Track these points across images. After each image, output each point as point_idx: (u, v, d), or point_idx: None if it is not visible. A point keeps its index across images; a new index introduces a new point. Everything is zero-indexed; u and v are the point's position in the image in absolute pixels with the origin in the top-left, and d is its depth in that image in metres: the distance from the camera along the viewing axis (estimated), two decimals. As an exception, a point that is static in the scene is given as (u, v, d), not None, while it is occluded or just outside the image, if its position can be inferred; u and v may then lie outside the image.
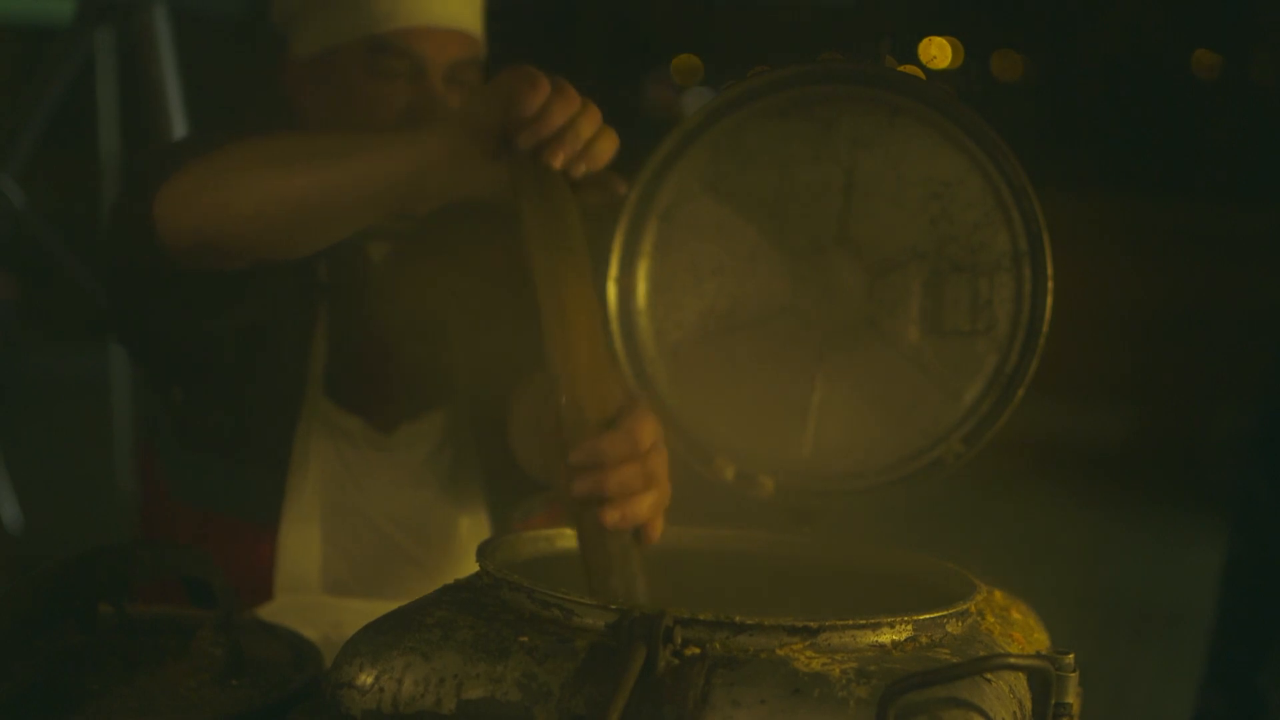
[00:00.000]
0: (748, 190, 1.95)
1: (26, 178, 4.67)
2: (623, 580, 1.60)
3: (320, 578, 2.13)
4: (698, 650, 1.35)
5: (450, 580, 2.16)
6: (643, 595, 1.59)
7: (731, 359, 1.95)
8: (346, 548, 2.15)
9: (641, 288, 1.97)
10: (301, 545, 2.13)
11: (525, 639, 1.39)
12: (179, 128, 4.18)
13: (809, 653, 1.36)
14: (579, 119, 1.59)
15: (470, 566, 2.18)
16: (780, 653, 1.36)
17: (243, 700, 1.57)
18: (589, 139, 1.59)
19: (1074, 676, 1.38)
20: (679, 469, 2.00)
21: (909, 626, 1.42)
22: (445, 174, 1.66)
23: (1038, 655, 1.38)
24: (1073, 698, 1.39)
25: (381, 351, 2.13)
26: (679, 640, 1.35)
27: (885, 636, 1.40)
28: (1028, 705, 1.38)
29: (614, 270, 1.96)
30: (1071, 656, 1.38)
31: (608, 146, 1.61)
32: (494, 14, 2.25)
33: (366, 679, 1.40)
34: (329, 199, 1.73)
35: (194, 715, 1.54)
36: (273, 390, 2.12)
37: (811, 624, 1.38)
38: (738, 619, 1.37)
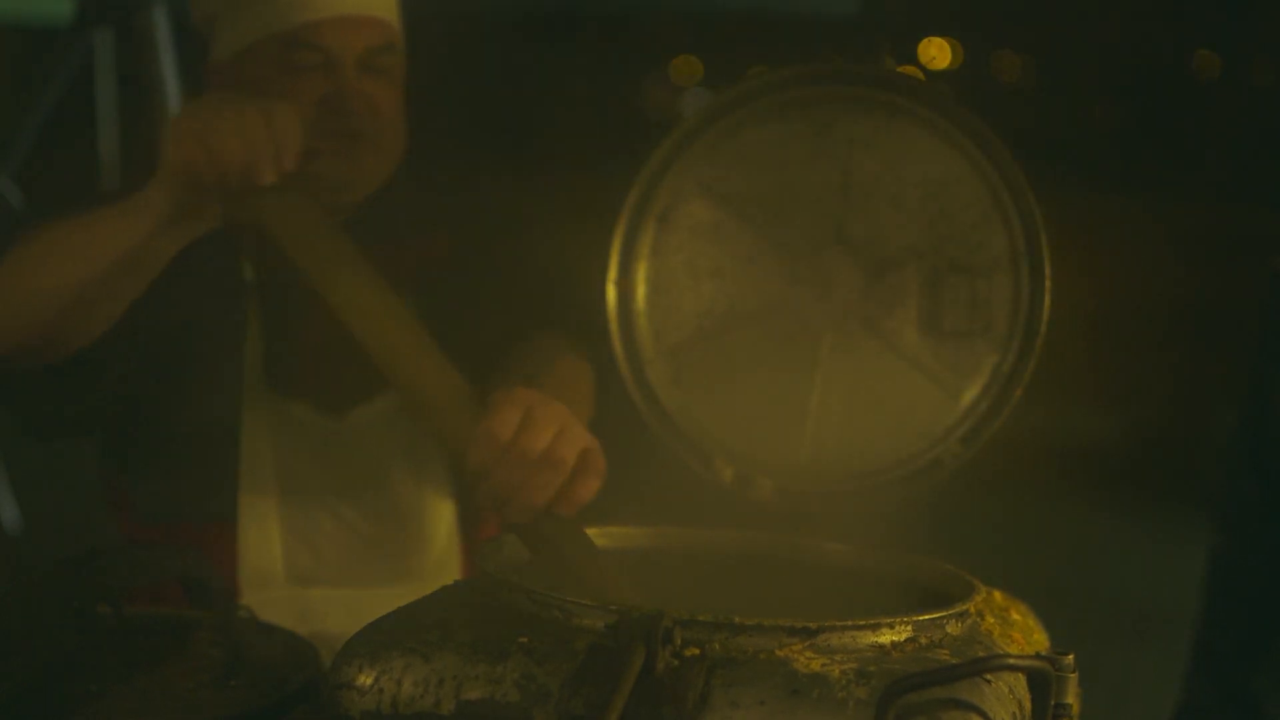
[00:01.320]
0: (746, 191, 1.95)
1: (26, 178, 4.67)
2: (577, 550, 1.65)
3: (284, 570, 2.13)
4: (697, 651, 1.35)
5: (416, 561, 2.17)
6: (593, 561, 1.64)
7: (730, 360, 1.95)
8: (308, 537, 2.14)
9: (640, 289, 1.97)
10: (262, 540, 2.13)
11: (524, 640, 1.39)
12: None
13: (808, 654, 1.36)
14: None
15: (436, 546, 2.19)
16: (779, 654, 1.36)
17: (241, 701, 1.57)
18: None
19: (1073, 677, 1.38)
20: (678, 470, 2.00)
21: (908, 627, 1.42)
22: (185, 223, 1.86)
23: (1037, 656, 1.38)
24: (1072, 698, 1.39)
25: (321, 338, 2.13)
26: (678, 641, 1.35)
27: (885, 637, 1.40)
28: (1027, 706, 1.38)
29: (612, 272, 1.96)
30: (1071, 657, 1.38)
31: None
32: (493, 15, 2.24)
33: (366, 680, 1.40)
34: (98, 278, 1.87)
35: (192, 716, 1.54)
36: (211, 393, 2.12)
37: (811, 625, 1.38)
38: (737, 620, 1.37)
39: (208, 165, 1.79)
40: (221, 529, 2.11)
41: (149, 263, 1.89)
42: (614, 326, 1.96)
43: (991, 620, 1.54)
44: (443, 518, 2.20)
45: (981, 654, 1.42)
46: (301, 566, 2.14)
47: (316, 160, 2.04)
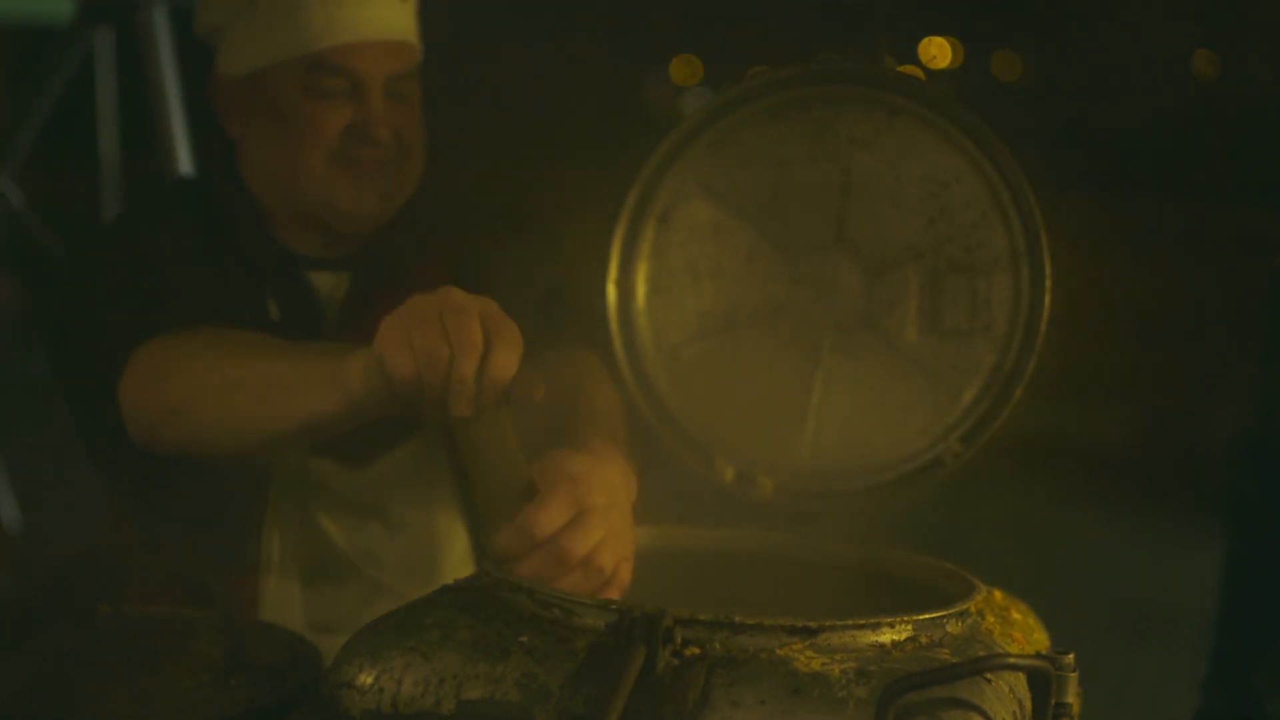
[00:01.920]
0: (746, 191, 1.95)
1: (24, 178, 4.67)
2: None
3: (303, 621, 2.11)
4: (697, 650, 1.35)
5: None
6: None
7: (730, 360, 1.95)
8: (328, 592, 2.12)
9: (640, 289, 1.97)
10: (282, 596, 2.10)
11: (525, 639, 1.39)
12: (179, 128, 4.17)
13: (809, 653, 1.36)
14: (459, 363, 1.57)
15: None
16: (780, 653, 1.36)
17: (242, 700, 1.56)
18: (474, 376, 1.57)
19: (1074, 676, 1.38)
20: (679, 469, 2.00)
21: (909, 627, 1.42)
22: (371, 408, 1.69)
23: (1037, 655, 1.38)
24: (1072, 698, 1.39)
25: None
26: (679, 640, 1.35)
27: (885, 637, 1.40)
28: (1027, 705, 1.38)
29: (613, 272, 1.96)
30: (1071, 656, 1.38)
31: (502, 364, 1.58)
32: (491, 14, 2.23)
33: (366, 679, 1.40)
34: (265, 432, 1.78)
35: (193, 715, 1.54)
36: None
37: (811, 624, 1.38)
38: (737, 619, 1.37)
39: (429, 381, 1.59)
40: (243, 581, 2.09)
41: (326, 426, 1.76)
42: (614, 326, 1.96)
43: (992, 619, 1.54)
44: (461, 562, 2.18)
45: (982, 653, 1.42)
46: (321, 617, 2.12)
47: (335, 186, 2.01)
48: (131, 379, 1.87)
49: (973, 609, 1.50)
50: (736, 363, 1.95)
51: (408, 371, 1.57)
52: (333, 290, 2.14)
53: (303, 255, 2.11)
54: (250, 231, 2.09)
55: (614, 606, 1.40)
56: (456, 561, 2.18)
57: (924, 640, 1.42)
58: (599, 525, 1.59)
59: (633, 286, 1.97)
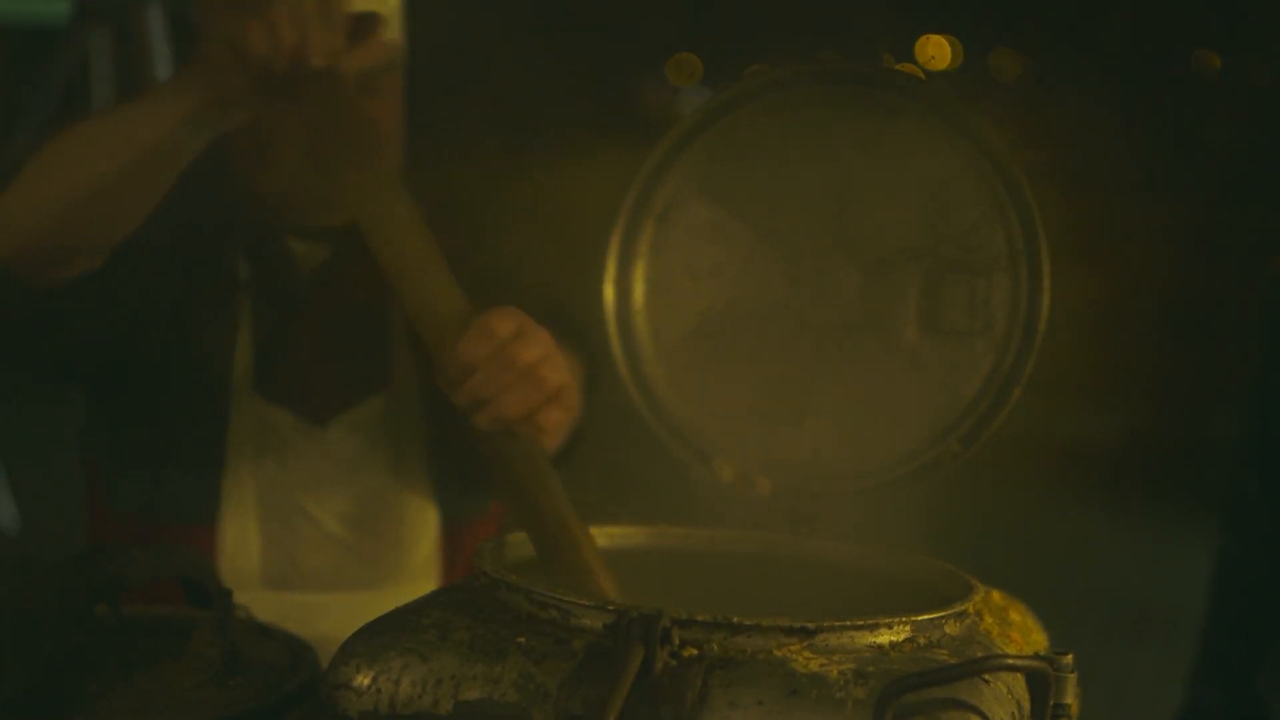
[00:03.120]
0: (744, 191, 1.95)
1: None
2: (531, 477, 1.64)
3: (260, 574, 2.13)
4: (695, 651, 1.35)
5: (395, 568, 2.16)
6: (561, 503, 1.64)
7: (728, 360, 1.95)
8: (285, 543, 2.14)
9: (638, 289, 1.97)
10: (240, 543, 2.12)
11: (522, 640, 1.39)
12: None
13: (806, 653, 1.36)
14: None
15: (417, 553, 2.18)
16: (778, 653, 1.36)
17: (239, 701, 1.57)
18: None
19: (1072, 677, 1.38)
20: (677, 470, 2.00)
21: (907, 627, 1.41)
22: (215, 114, 1.73)
23: (1036, 656, 1.38)
24: (1071, 698, 1.38)
25: (310, 345, 2.12)
26: (676, 641, 1.35)
27: (883, 637, 1.40)
28: (1026, 706, 1.38)
29: (611, 272, 1.96)
30: (1070, 657, 1.38)
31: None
32: (490, 13, 2.22)
33: (363, 680, 1.40)
34: (122, 174, 1.78)
35: (191, 716, 1.54)
36: (199, 392, 2.11)
37: (809, 625, 1.37)
38: (735, 620, 1.37)
39: (258, 40, 1.66)
40: (200, 530, 2.11)
41: (172, 159, 1.79)
42: (612, 326, 1.96)
43: (990, 620, 1.54)
44: (425, 525, 2.19)
45: (980, 654, 1.42)
46: (278, 571, 2.14)
47: (312, 178, 2.03)
48: None
49: (971, 610, 1.50)
50: (734, 363, 1.95)
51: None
52: (307, 258, 2.16)
53: (285, 220, 2.14)
54: (233, 188, 2.12)
55: (612, 608, 1.39)
56: (414, 520, 2.19)
57: (922, 641, 1.42)
58: (542, 340, 1.67)
59: (631, 286, 1.96)
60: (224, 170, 2.12)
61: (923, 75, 1.97)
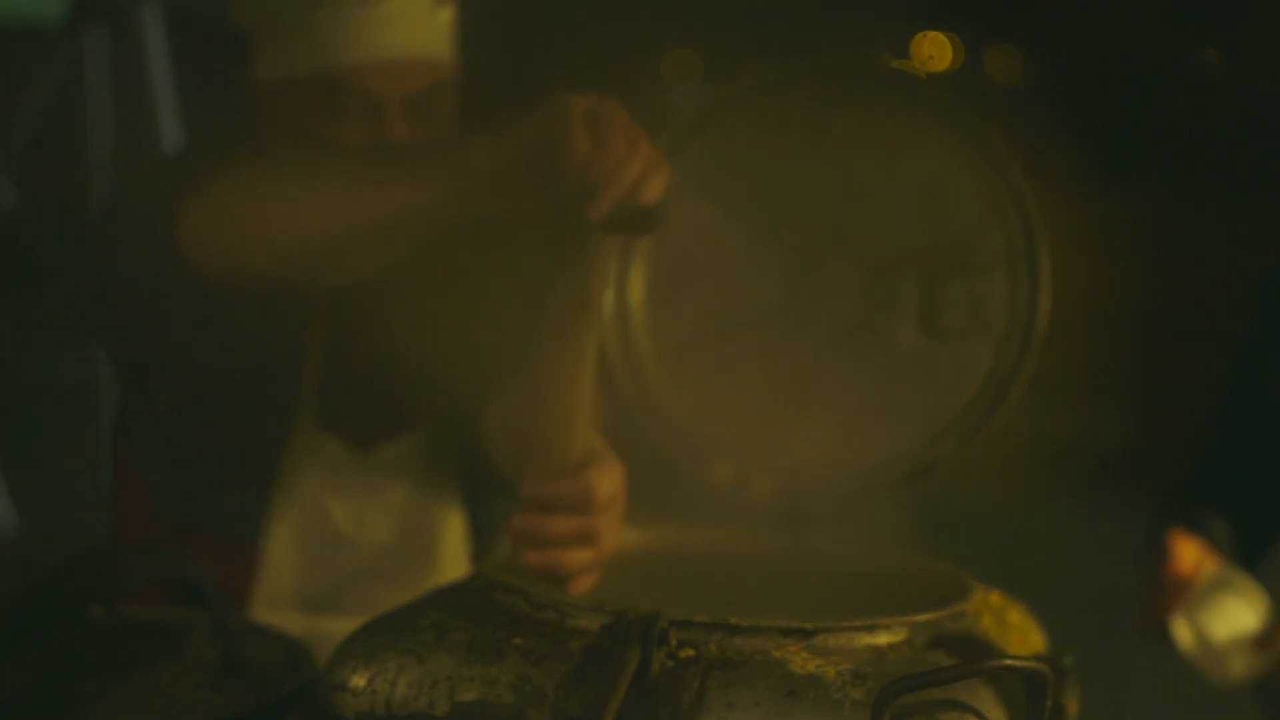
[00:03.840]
0: (742, 191, 1.95)
1: (18, 179, 4.68)
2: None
3: (297, 596, 2.12)
4: (693, 652, 1.35)
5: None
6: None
7: (727, 360, 1.95)
8: (325, 568, 2.14)
9: (637, 289, 1.97)
10: (282, 565, 2.12)
11: (520, 641, 1.39)
12: (170, 128, 4.18)
13: (804, 654, 1.36)
14: (628, 163, 1.48)
15: (451, 578, 2.18)
16: (776, 655, 1.36)
17: (236, 702, 1.56)
18: (635, 181, 1.48)
19: (1072, 679, 1.38)
20: (675, 470, 2.00)
21: (905, 628, 1.41)
22: (490, 201, 1.59)
23: (1035, 657, 1.38)
24: (1070, 700, 1.38)
25: (369, 371, 2.10)
26: (674, 642, 1.35)
27: (881, 638, 1.40)
28: (1024, 708, 1.38)
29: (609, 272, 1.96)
30: (1069, 658, 1.38)
31: (656, 185, 1.50)
32: (489, 12, 2.20)
33: (360, 681, 1.40)
34: (371, 227, 1.69)
35: (188, 717, 1.54)
36: (264, 409, 2.09)
37: (807, 626, 1.37)
38: (733, 621, 1.37)
39: (595, 160, 1.49)
40: (244, 548, 2.10)
41: (426, 227, 1.68)
42: (611, 327, 1.96)
43: (989, 621, 1.54)
44: (456, 555, 2.19)
45: (979, 655, 1.42)
46: (314, 595, 2.13)
47: None
48: (198, 207, 1.82)
49: (970, 611, 1.50)
50: (733, 363, 1.95)
51: (581, 151, 1.47)
52: (379, 277, 2.13)
53: None
54: None
55: (609, 608, 1.39)
56: (450, 551, 2.19)
57: (920, 642, 1.42)
58: (618, 512, 1.63)
59: (629, 287, 1.97)
60: None
61: (921, 74, 1.97)
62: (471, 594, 1.51)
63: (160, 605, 1.83)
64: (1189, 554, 2.48)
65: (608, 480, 1.60)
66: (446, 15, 2.07)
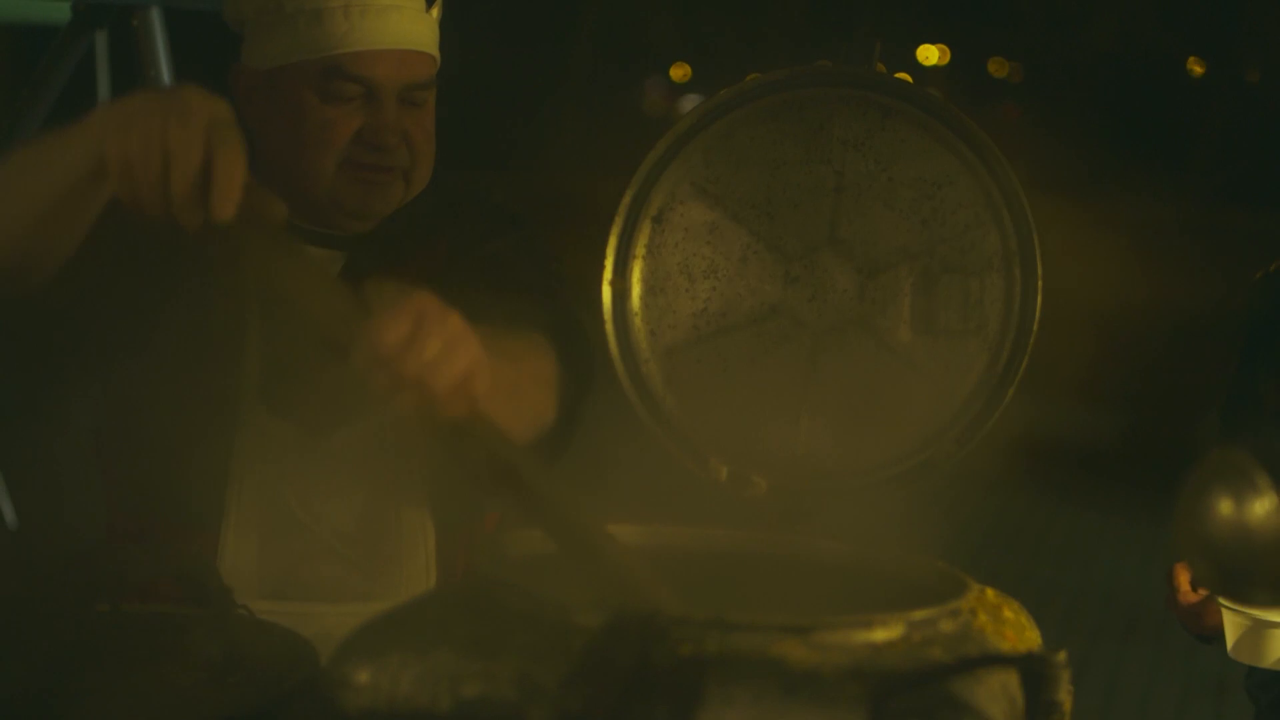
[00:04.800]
0: (740, 192, 1.96)
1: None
2: (485, 443, 1.60)
3: (257, 583, 2.13)
4: (691, 649, 1.36)
5: (390, 581, 2.17)
6: (509, 452, 1.60)
7: (724, 360, 1.96)
8: (283, 554, 2.14)
9: (635, 289, 1.98)
10: (239, 552, 2.12)
11: (521, 638, 1.39)
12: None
13: (802, 651, 1.37)
14: (173, 173, 1.61)
15: (412, 567, 2.19)
16: (773, 652, 1.37)
17: (239, 698, 1.57)
18: (188, 187, 1.61)
19: (1065, 674, 1.39)
20: (673, 469, 2.00)
21: (901, 625, 1.42)
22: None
23: (1030, 654, 1.38)
24: (1064, 696, 1.39)
25: (314, 357, 2.11)
26: (673, 639, 1.36)
27: (878, 635, 1.41)
28: (1020, 703, 1.39)
29: (608, 273, 1.97)
30: (1063, 655, 1.39)
31: (224, 174, 1.63)
32: (496, 20, 2.23)
33: (363, 677, 1.41)
34: (35, 222, 1.79)
35: (190, 713, 1.54)
36: (207, 398, 2.11)
37: (804, 623, 1.38)
38: (731, 618, 1.37)
39: (133, 185, 1.64)
40: (201, 535, 2.12)
41: (84, 204, 1.77)
42: (609, 326, 1.97)
43: (984, 618, 1.55)
44: (420, 539, 2.19)
45: (974, 652, 1.42)
46: (275, 580, 2.14)
47: (343, 187, 2.04)
48: None
49: (965, 607, 1.50)
50: (730, 363, 1.96)
51: (120, 168, 1.61)
52: (326, 268, 2.16)
53: (300, 227, 2.13)
54: None
55: (609, 606, 1.40)
56: (410, 533, 2.19)
57: (917, 639, 1.43)
58: (442, 329, 1.58)
59: (628, 287, 1.97)
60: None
61: (915, 81, 1.98)
62: (473, 591, 1.52)
63: (163, 602, 1.84)
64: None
65: (392, 323, 1.58)
66: (436, 15, 2.15)
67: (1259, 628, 2.50)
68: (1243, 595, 1.83)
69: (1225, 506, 1.62)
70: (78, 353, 2.10)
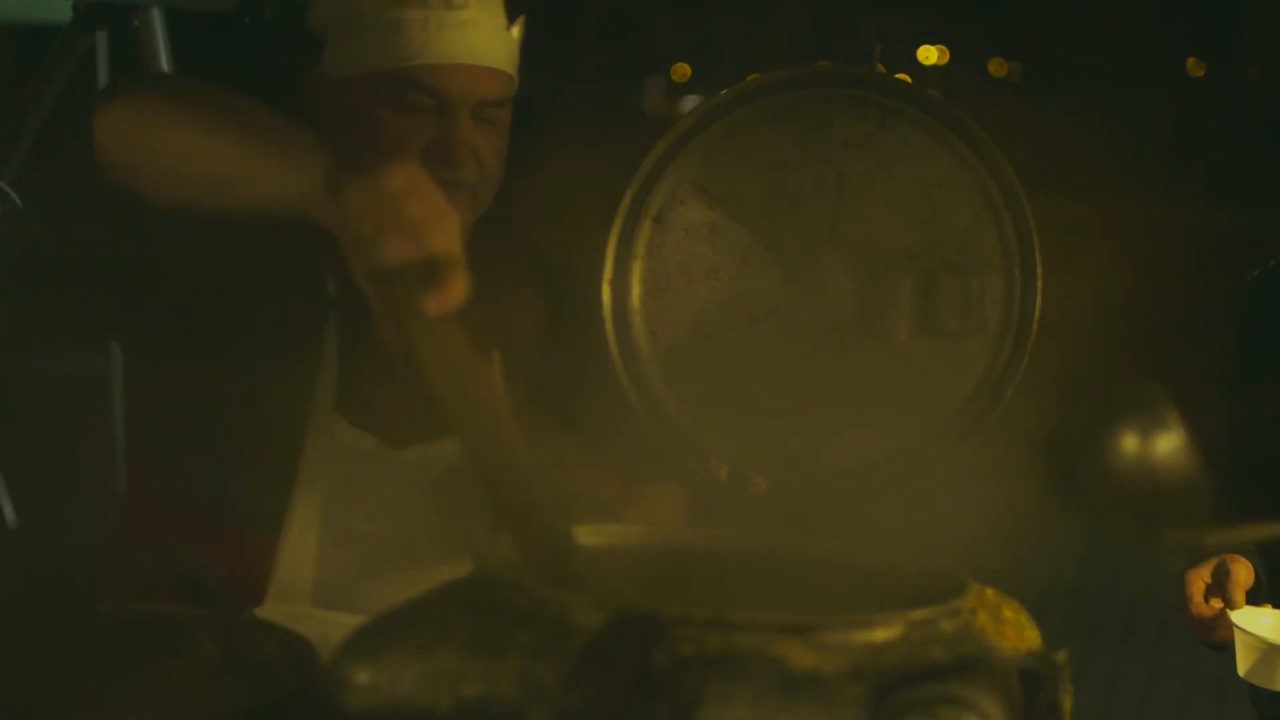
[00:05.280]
0: (740, 192, 1.96)
1: (21, 180, 4.67)
2: (447, 363, 1.63)
3: (313, 589, 2.12)
4: (692, 648, 1.36)
5: None
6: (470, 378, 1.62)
7: (724, 360, 1.96)
8: (343, 563, 2.13)
9: (635, 289, 1.98)
10: (299, 556, 2.11)
11: (522, 637, 1.40)
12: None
13: (802, 650, 1.37)
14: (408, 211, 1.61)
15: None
16: (773, 651, 1.37)
17: (240, 698, 1.57)
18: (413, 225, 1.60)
19: (1065, 674, 1.39)
20: (674, 469, 2.01)
21: (901, 624, 1.42)
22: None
23: (1030, 653, 1.39)
24: (1064, 695, 1.39)
25: (393, 370, 2.10)
26: (673, 639, 1.36)
27: (878, 634, 1.41)
28: (1019, 703, 1.39)
29: (608, 273, 1.97)
30: (1063, 654, 1.39)
31: (439, 235, 1.60)
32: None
33: (364, 677, 1.41)
34: (225, 187, 1.79)
35: (191, 713, 1.55)
36: (279, 402, 2.10)
37: (804, 622, 1.38)
38: (731, 618, 1.37)
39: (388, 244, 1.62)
40: (263, 537, 2.10)
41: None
42: (609, 326, 1.97)
43: (984, 617, 1.55)
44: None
45: (974, 651, 1.43)
46: (329, 590, 2.13)
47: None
48: (103, 122, 1.90)
49: (965, 607, 1.51)
50: (730, 362, 1.96)
51: (362, 245, 1.61)
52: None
53: None
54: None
55: (610, 605, 1.40)
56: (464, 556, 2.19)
57: (917, 638, 1.43)
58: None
59: (628, 287, 1.98)
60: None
61: (914, 81, 1.98)
62: (474, 590, 1.52)
63: (165, 602, 1.84)
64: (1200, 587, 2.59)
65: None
66: (516, 34, 2.14)
67: (1273, 652, 2.46)
68: (1150, 533, 1.82)
69: (1130, 442, 1.63)
70: (170, 325, 2.09)
